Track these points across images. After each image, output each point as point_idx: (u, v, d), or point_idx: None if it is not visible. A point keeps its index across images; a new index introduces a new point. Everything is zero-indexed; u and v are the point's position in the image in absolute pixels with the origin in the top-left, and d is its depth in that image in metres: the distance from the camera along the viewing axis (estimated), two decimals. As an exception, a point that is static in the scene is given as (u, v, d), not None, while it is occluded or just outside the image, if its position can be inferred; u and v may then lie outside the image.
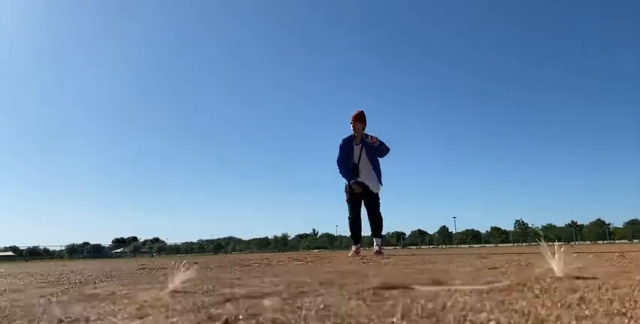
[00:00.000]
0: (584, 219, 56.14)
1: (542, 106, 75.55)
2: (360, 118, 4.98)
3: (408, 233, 61.27)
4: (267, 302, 1.01)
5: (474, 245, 42.87)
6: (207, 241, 60.41)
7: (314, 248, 48.82)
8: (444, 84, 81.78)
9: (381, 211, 4.97)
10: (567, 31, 74.55)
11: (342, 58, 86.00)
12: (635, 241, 39.32)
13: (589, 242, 42.72)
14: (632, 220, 48.33)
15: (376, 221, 4.94)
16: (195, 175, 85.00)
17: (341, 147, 4.98)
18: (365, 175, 4.90)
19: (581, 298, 0.92)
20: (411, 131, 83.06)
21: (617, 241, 40.32)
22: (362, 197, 4.93)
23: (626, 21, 69.38)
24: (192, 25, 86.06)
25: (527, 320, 0.71)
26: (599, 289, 1.09)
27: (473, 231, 56.22)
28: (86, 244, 53.44)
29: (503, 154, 77.05)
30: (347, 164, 4.91)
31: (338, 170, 4.99)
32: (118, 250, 53.76)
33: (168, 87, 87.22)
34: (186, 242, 59.36)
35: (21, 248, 47.70)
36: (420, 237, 57.49)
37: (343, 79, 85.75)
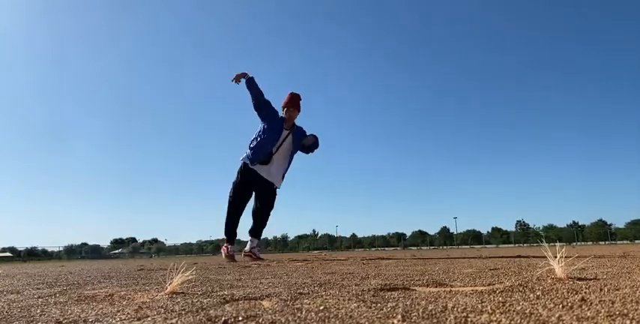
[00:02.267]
0: (586, 219, 56.23)
1: (542, 106, 75.69)
2: (297, 105, 4.30)
3: (408, 234, 61.27)
4: (266, 303, 1.00)
5: (475, 246, 42.86)
6: (206, 241, 60.34)
7: (314, 249, 48.81)
8: (444, 84, 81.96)
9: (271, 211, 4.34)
10: (567, 31, 74.74)
11: (342, 57, 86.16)
12: (636, 241, 39.36)
13: (590, 243, 42.76)
14: (634, 220, 48.32)
15: (262, 220, 4.29)
16: (195, 176, 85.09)
17: (273, 117, 4.21)
18: (274, 167, 4.23)
19: (583, 299, 0.92)
20: (411, 131, 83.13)
21: (618, 242, 40.36)
22: (256, 187, 4.28)
23: (626, 20, 69.53)
24: (194, 23, 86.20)
25: (528, 322, 0.71)
26: (601, 290, 1.08)
27: (474, 231, 56.24)
28: (84, 244, 53.41)
29: (504, 154, 77.18)
30: (265, 145, 4.19)
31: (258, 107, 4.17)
32: (117, 251, 53.70)
33: (169, 87, 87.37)
34: (185, 243, 59.39)
35: (19, 249, 47.64)
36: (420, 238, 57.47)
37: (344, 78, 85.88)
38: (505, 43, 77.87)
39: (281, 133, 4.22)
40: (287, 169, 4.36)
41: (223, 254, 4.30)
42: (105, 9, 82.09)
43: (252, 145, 4.22)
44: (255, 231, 4.33)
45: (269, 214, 4.34)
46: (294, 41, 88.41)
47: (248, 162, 4.20)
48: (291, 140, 4.26)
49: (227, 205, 4.26)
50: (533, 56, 77.53)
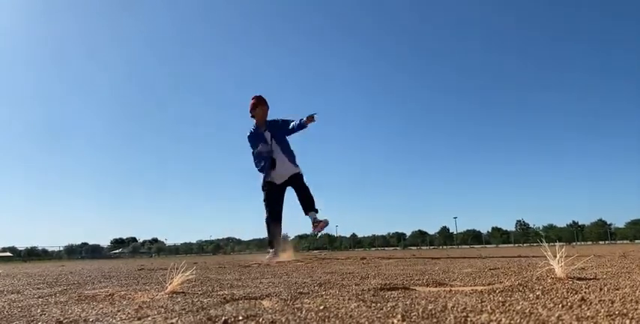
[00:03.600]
0: (586, 219, 55.94)
1: (542, 106, 75.55)
2: (262, 102, 4.59)
3: (408, 234, 61.24)
4: (266, 303, 1.00)
5: (475, 246, 42.84)
6: (206, 241, 60.33)
7: (314, 249, 48.84)
8: (444, 84, 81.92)
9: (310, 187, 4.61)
10: (567, 31, 74.64)
11: (341, 57, 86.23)
12: (636, 241, 39.29)
13: (590, 243, 42.72)
14: (634, 220, 48.22)
15: (306, 194, 4.56)
16: (196, 175, 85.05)
17: (251, 138, 4.58)
18: (279, 164, 4.55)
19: (583, 299, 0.92)
20: (411, 131, 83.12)
21: (618, 242, 40.35)
22: (283, 187, 4.60)
23: (626, 20, 69.47)
24: (194, 24, 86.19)
25: (528, 321, 0.71)
26: (601, 289, 1.08)
27: (474, 231, 56.20)
28: (85, 244, 53.33)
29: (504, 154, 77.01)
30: (267, 156, 4.52)
31: (256, 164, 4.59)
32: (117, 251, 53.62)
33: (170, 86, 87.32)
34: (185, 243, 59.33)
35: (19, 249, 47.61)
36: (420, 237, 57.42)
37: (344, 78, 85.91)
38: (505, 43, 77.62)
39: (264, 138, 4.57)
40: (293, 156, 4.63)
41: (267, 258, 4.47)
42: (105, 9, 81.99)
43: (258, 168, 4.60)
44: (308, 206, 4.55)
45: (306, 188, 4.59)
46: (294, 42, 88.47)
47: (266, 177, 4.56)
48: (271, 135, 4.57)
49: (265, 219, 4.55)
50: (533, 56, 77.33)
